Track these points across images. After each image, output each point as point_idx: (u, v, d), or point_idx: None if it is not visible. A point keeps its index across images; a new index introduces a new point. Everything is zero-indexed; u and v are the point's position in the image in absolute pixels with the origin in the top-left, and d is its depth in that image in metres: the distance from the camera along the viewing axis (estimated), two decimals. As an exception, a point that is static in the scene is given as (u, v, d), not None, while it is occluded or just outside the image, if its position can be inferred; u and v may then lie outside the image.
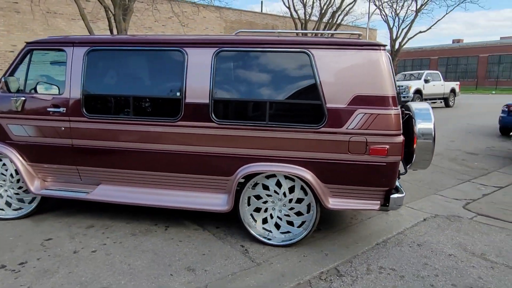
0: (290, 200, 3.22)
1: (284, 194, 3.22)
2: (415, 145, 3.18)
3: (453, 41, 45.83)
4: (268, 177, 3.21)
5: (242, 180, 3.22)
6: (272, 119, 3.10)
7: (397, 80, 18.42)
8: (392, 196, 3.07)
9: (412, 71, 20.21)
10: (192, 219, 3.75)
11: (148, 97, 3.44)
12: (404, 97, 16.45)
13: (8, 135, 3.64)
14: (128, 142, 3.39)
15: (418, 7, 23.46)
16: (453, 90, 18.60)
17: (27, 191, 3.72)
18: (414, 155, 3.21)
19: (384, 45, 3.09)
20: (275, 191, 3.23)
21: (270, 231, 3.30)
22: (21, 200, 3.81)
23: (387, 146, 2.95)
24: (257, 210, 3.32)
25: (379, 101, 2.99)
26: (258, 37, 3.29)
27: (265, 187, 3.25)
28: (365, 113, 2.98)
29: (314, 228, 3.22)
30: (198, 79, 3.23)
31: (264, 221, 3.33)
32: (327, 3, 17.88)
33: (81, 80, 3.44)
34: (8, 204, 3.78)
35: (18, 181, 3.75)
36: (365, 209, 3.16)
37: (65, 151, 3.54)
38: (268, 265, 2.94)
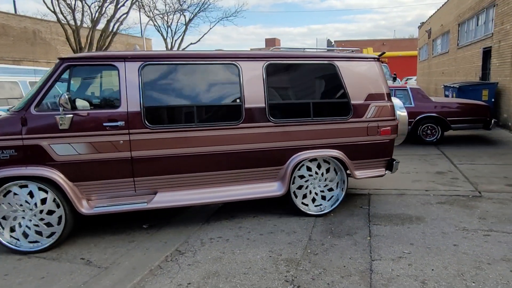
0: (326, 179, 4.13)
1: (322, 174, 4.10)
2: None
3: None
4: (310, 160, 4.03)
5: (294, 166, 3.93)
6: (315, 115, 3.99)
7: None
8: (394, 162, 4.29)
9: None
10: (6, 250, 3.40)
11: (210, 105, 3.79)
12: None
13: (50, 157, 3.37)
14: (191, 147, 3.66)
15: (186, 21, 26.02)
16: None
17: (48, 224, 3.43)
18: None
19: (379, 57, 4.38)
20: (315, 170, 4.08)
21: (307, 205, 4.11)
22: (39, 233, 3.43)
23: (390, 128, 4.22)
24: (299, 187, 4.06)
25: (382, 96, 4.23)
26: (297, 53, 4.13)
27: (308, 169, 4.06)
28: (376, 106, 4.18)
29: (338, 203, 4.17)
30: (254, 88, 3.85)
31: (304, 196, 4.09)
32: (99, 10, 17.37)
33: (140, 94, 3.54)
34: (25, 235, 3.40)
35: (41, 211, 3.41)
36: (378, 175, 4.28)
37: (122, 164, 3.53)
38: (116, 265, 3.16)
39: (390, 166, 4.34)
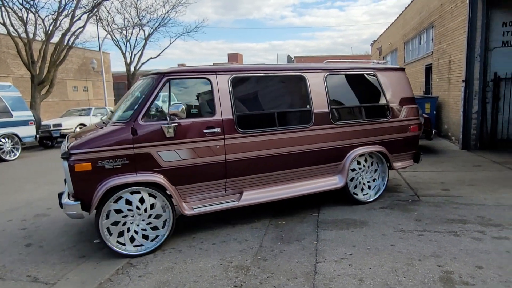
0: (375, 171, 4.94)
1: (368, 165, 4.86)
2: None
3: (178, 65, 52.48)
4: (360, 155, 4.74)
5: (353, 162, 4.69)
6: (366, 117, 4.74)
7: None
8: (420, 154, 5.22)
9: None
10: None
11: (287, 111, 4.34)
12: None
13: (157, 163, 3.59)
14: (273, 148, 4.13)
15: (146, 35, 25.78)
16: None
17: (155, 227, 3.65)
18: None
19: (404, 68, 5.45)
20: (363, 164, 4.82)
21: (357, 194, 4.83)
22: (145, 237, 3.63)
23: (417, 125, 5.16)
24: (351, 179, 4.75)
25: (410, 100, 5.15)
26: (348, 65, 4.92)
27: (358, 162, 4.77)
28: (407, 108, 5.08)
29: (380, 192, 4.98)
30: (319, 95, 4.45)
31: (355, 187, 4.82)
32: (53, 24, 16.83)
33: (231, 103, 3.93)
34: (132, 239, 3.57)
35: (150, 216, 3.62)
36: (409, 166, 5.19)
37: (218, 167, 3.86)
38: (65, 281, 3.12)
39: (417, 157, 5.26)
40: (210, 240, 3.86)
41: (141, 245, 3.60)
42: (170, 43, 35.67)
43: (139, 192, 3.55)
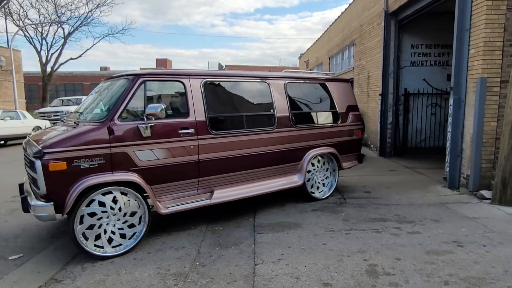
0: (327, 169, 5.51)
1: (321, 165, 5.40)
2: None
3: (101, 68, 49.45)
4: (315, 156, 5.23)
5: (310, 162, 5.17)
6: (320, 121, 5.31)
7: (55, 106, 18.09)
8: (363, 156, 6.02)
9: (69, 97, 20.44)
10: None
11: (254, 114, 4.69)
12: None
13: (134, 163, 3.62)
14: (242, 149, 4.41)
15: (65, 34, 23.89)
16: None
17: (131, 225, 3.65)
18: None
19: (349, 79, 6.36)
20: (317, 165, 5.35)
21: (313, 193, 5.35)
22: (123, 236, 3.61)
23: (360, 130, 5.86)
24: (308, 180, 5.22)
25: (355, 108, 5.83)
26: (304, 74, 5.63)
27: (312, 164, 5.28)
28: (352, 114, 5.75)
29: (333, 189, 5.60)
30: (280, 100, 4.87)
31: (311, 186, 5.33)
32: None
33: (204, 105, 4.13)
34: (110, 240, 3.52)
35: (125, 214, 3.60)
36: (354, 166, 5.87)
37: (191, 167, 3.99)
38: (-25, 304, 2.75)
39: (360, 158, 6.00)
40: (145, 249, 3.72)
41: (120, 244, 3.60)
42: (94, 44, 33.41)
43: (111, 193, 3.52)
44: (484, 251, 3.49)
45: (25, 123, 13.72)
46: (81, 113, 4.15)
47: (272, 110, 4.80)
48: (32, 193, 3.58)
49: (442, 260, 3.30)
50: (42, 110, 17.61)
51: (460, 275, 3.03)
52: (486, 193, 5.28)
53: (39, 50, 23.68)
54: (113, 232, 3.55)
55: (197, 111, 4.09)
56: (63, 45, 24.14)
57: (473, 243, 3.69)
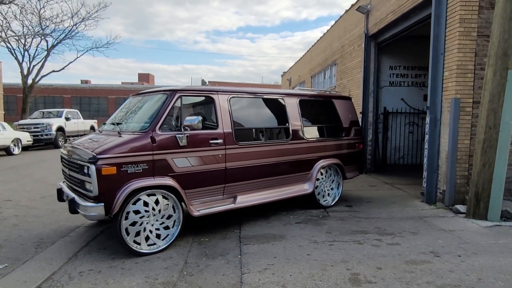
0: (332, 181, 5.97)
1: (328, 176, 5.89)
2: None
3: (82, 81, 48.87)
4: (323, 167, 5.70)
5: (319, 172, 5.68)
6: (327, 135, 5.86)
7: (35, 118, 17.74)
8: (364, 168, 6.60)
9: (50, 109, 20.09)
10: None
11: (273, 127, 5.30)
12: (46, 134, 16.19)
13: (172, 169, 4.00)
14: (261, 158, 4.84)
15: (49, 46, 23.67)
16: (92, 127, 20.34)
17: (167, 227, 4.00)
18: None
19: (351, 97, 6.84)
20: (325, 173, 5.82)
21: (319, 200, 5.76)
22: (158, 236, 3.93)
23: (362, 143, 6.45)
24: (316, 187, 5.63)
25: (356, 123, 6.41)
26: (314, 92, 6.26)
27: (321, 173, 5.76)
28: (355, 129, 6.31)
29: (337, 199, 6.05)
30: (294, 115, 5.38)
31: (318, 194, 5.75)
32: None
33: (230, 118, 4.59)
34: (146, 238, 3.83)
35: (162, 216, 3.96)
36: (356, 176, 6.48)
37: (219, 174, 4.40)
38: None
39: (361, 169, 6.61)
40: (132, 260, 3.74)
41: (154, 243, 3.91)
42: (78, 57, 33.15)
43: (154, 195, 3.89)
44: (459, 261, 3.69)
45: (4, 134, 13.41)
46: (118, 124, 4.50)
47: (287, 124, 5.28)
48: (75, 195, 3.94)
49: (420, 269, 3.48)
50: (22, 122, 17.20)
51: (437, 282, 3.20)
52: (461, 207, 5.55)
53: (21, 61, 23.33)
54: (150, 231, 3.87)
55: (225, 124, 4.51)
56: (46, 57, 23.87)
57: (449, 254, 3.89)
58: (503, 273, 3.39)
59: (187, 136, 4.10)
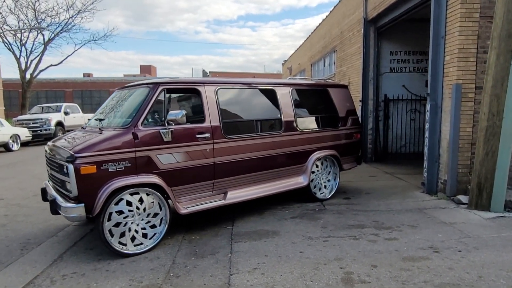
0: (329, 173, 5.76)
1: (324, 167, 5.68)
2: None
3: (84, 75, 48.64)
4: (318, 159, 5.47)
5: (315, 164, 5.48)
6: (323, 125, 5.59)
7: (34, 113, 17.62)
8: (361, 159, 6.35)
9: (49, 104, 19.96)
10: None
11: (263, 119, 4.93)
12: (45, 129, 16.10)
13: (156, 165, 3.82)
14: (252, 152, 4.62)
15: (46, 40, 23.43)
16: (92, 121, 20.19)
17: (154, 226, 3.83)
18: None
19: (347, 85, 6.63)
20: (321, 165, 5.60)
21: (315, 193, 5.57)
22: (145, 236, 3.78)
23: (359, 133, 6.18)
24: (311, 180, 5.45)
25: (353, 112, 6.11)
26: (307, 81, 6.06)
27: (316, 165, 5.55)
28: (352, 118, 6.04)
29: (334, 191, 5.84)
30: (286, 106, 5.12)
31: (314, 187, 5.58)
32: None
33: (218, 111, 4.37)
34: (132, 239, 3.69)
35: (148, 215, 3.79)
36: (354, 167, 6.22)
37: (207, 169, 4.22)
38: None
39: (359, 160, 6.32)
40: (118, 261, 3.61)
41: (141, 243, 3.77)
42: (75, 50, 32.86)
43: (138, 193, 3.72)
44: (459, 257, 3.51)
45: (2, 131, 13.32)
46: (101, 120, 4.24)
47: (279, 115, 5.07)
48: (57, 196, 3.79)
49: (418, 267, 3.30)
50: (20, 117, 17.10)
51: (435, 281, 3.03)
52: (463, 198, 5.35)
53: (18, 56, 23.13)
54: (136, 231, 3.73)
55: (212, 117, 4.31)
56: (43, 52, 23.63)
57: (448, 249, 3.71)
58: (505, 270, 3.21)
59: (171, 131, 3.91)
